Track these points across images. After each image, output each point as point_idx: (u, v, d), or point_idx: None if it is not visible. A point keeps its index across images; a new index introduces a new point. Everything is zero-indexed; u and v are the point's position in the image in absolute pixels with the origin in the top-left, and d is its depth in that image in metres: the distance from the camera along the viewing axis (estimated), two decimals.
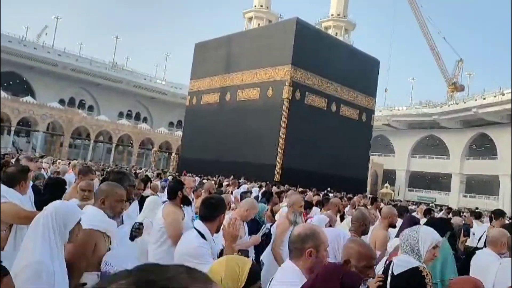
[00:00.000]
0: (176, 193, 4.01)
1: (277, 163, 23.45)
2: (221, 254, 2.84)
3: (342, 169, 24.93)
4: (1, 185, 3.14)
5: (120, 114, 66.99)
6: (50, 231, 2.11)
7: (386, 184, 47.77)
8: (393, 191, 47.86)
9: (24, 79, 58.86)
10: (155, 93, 69.26)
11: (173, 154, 49.61)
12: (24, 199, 3.27)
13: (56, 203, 2.31)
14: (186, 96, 32.49)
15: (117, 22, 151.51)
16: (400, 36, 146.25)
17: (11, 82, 57.97)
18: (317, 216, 5.32)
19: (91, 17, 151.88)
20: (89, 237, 2.41)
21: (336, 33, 71.84)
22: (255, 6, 76.31)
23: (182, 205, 4.07)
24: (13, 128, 47.64)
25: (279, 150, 23.56)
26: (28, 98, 50.69)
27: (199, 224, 2.97)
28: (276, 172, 23.25)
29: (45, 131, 51.00)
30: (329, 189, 18.83)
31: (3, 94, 48.06)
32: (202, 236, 2.87)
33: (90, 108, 65.39)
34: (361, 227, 3.91)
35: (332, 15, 72.30)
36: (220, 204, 3.10)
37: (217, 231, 3.03)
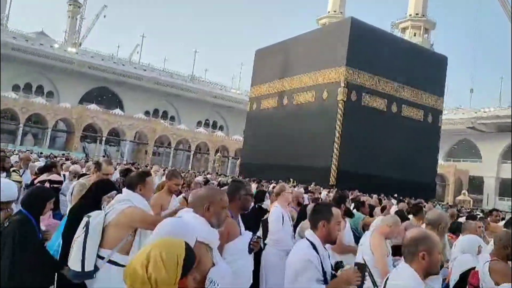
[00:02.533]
0: (339, 205, 4.21)
1: (332, 166, 22.95)
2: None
3: (405, 173, 23.51)
4: (126, 189, 3.19)
5: (199, 123, 70.59)
6: None
7: (464, 191, 43.74)
8: (471, 200, 43.50)
9: (115, 93, 65.00)
10: (230, 102, 71.85)
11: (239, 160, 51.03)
12: (146, 204, 3.25)
13: (168, 227, 2.08)
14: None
15: (196, 36, 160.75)
16: (485, 33, 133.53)
17: (104, 97, 64.58)
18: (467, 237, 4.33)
19: (173, 34, 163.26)
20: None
21: (415, 34, 68.50)
22: (329, 12, 75.92)
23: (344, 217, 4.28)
24: (104, 138, 52.77)
25: (334, 153, 23.04)
26: (117, 111, 55.95)
27: (308, 232, 2.70)
28: (331, 175, 22.77)
29: (132, 140, 55.81)
30: (395, 195, 17.92)
31: (97, 107, 53.81)
32: (314, 247, 2.59)
33: (172, 119, 69.85)
34: (505, 250, 3.26)
35: (410, 15, 69.33)
36: (323, 211, 2.76)
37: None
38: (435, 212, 4.44)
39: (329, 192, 13.74)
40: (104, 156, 45.26)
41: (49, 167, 7.07)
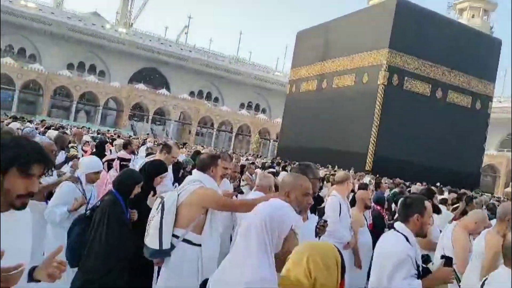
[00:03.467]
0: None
1: (369, 151, 22.42)
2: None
3: (448, 162, 22.49)
4: (197, 171, 3.26)
5: (242, 105, 71.09)
6: (265, 240, 1.78)
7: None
8: None
9: (162, 73, 66.78)
10: (273, 84, 71.52)
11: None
12: (216, 185, 3.33)
13: (269, 209, 1.96)
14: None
15: (242, 18, 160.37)
16: None
17: (152, 77, 66.59)
18: None
19: (219, 16, 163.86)
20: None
21: (473, 15, 64.31)
22: None
23: None
24: (150, 117, 54.70)
25: (372, 138, 22.45)
26: (163, 91, 57.59)
27: (399, 225, 2.66)
28: (367, 161, 22.29)
29: (176, 120, 57.40)
30: (438, 184, 17.32)
31: (144, 87, 55.71)
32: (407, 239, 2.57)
33: (216, 100, 70.82)
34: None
35: None
36: (415, 204, 2.71)
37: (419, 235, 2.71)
38: (505, 205, 3.99)
39: (372, 179, 13.27)
40: (149, 134, 46.96)
41: (124, 145, 7.50)
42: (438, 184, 16.94)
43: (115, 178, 3.50)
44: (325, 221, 3.16)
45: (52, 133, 8.85)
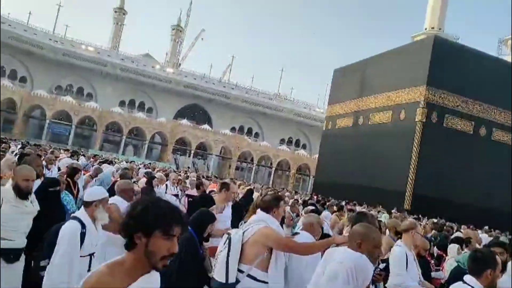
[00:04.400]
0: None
1: (407, 190, 22.02)
2: None
3: (494, 203, 21.53)
4: (261, 211, 3.36)
5: (282, 141, 71.77)
6: (351, 286, 2.00)
7: None
8: None
9: (205, 109, 69.38)
10: (314, 120, 71.91)
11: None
12: (278, 225, 3.45)
13: (354, 258, 2.29)
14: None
15: (283, 57, 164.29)
16: None
17: (196, 113, 69.32)
18: None
19: (261, 54, 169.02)
20: None
21: None
22: (426, 28, 72.85)
23: None
24: (192, 151, 56.55)
25: (410, 176, 22.08)
26: (205, 126, 59.68)
27: (471, 280, 2.71)
28: (406, 199, 21.87)
29: (217, 154, 58.90)
30: (486, 227, 16.75)
31: (188, 122, 58.08)
32: None
33: (256, 135, 72.05)
34: None
35: None
36: (488, 259, 2.75)
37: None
38: None
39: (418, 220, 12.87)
40: (190, 168, 48.32)
41: (197, 186, 7.80)
42: (486, 227, 16.32)
43: (192, 216, 3.65)
44: (381, 270, 3.23)
45: (110, 168, 9.73)
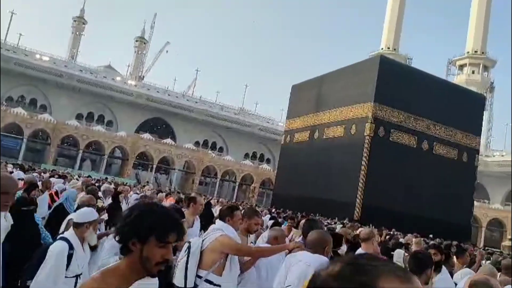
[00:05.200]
0: None
1: (357, 201, 22.67)
2: None
3: (437, 212, 22.54)
4: (218, 220, 3.69)
5: (246, 155, 71.87)
6: None
7: (510, 237, 40.55)
8: None
9: (168, 123, 68.60)
10: (278, 135, 72.53)
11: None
12: (234, 232, 3.68)
13: (320, 260, 2.71)
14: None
15: (247, 72, 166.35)
16: None
17: (158, 127, 68.42)
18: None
19: (225, 69, 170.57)
20: None
21: (473, 71, 66.17)
22: (382, 48, 75.71)
23: None
24: (155, 166, 55.53)
25: (360, 187, 22.79)
26: (168, 140, 58.88)
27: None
28: (356, 210, 22.46)
29: (180, 169, 58.13)
30: (431, 236, 17.33)
31: (150, 136, 57.17)
32: None
33: (220, 150, 71.84)
34: None
35: (468, 52, 67.25)
36: (427, 259, 3.08)
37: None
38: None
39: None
40: (148, 182, 47.40)
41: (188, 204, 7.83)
42: (430, 235, 16.92)
43: None
44: None
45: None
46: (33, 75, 56.86)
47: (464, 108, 24.77)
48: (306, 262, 2.86)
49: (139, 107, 64.62)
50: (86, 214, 3.43)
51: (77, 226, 3.30)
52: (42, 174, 16.67)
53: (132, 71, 73.03)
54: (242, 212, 4.00)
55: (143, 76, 73.51)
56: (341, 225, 13.84)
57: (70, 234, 3.29)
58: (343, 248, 5.16)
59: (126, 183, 26.65)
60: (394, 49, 74.47)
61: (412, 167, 23.13)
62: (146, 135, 57.22)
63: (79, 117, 60.15)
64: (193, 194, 6.28)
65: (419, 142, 24.49)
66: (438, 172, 23.63)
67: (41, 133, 50.13)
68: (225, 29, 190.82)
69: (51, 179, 10.78)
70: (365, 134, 23.30)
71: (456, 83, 36.86)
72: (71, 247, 3.17)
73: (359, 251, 4.30)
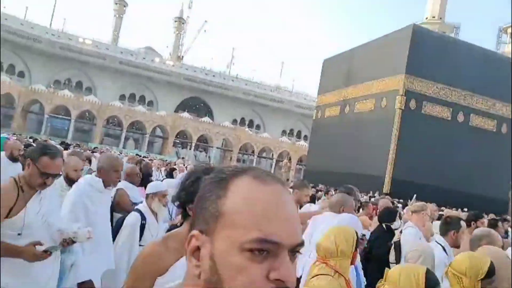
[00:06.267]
0: None
1: (387, 174, 22.50)
2: None
3: (471, 186, 21.84)
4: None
5: (283, 132, 72.09)
6: None
7: None
8: None
9: (206, 102, 69.95)
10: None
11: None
12: None
13: (347, 217, 3.05)
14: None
15: (284, 48, 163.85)
16: None
17: (197, 106, 69.97)
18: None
19: (264, 45, 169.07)
20: None
21: None
22: (427, 18, 72.38)
23: None
24: (193, 144, 57.21)
25: (389, 161, 22.55)
26: (206, 119, 60.24)
27: (439, 238, 3.42)
28: (385, 184, 22.34)
29: (218, 146, 59.51)
30: (465, 210, 17.13)
31: (188, 115, 58.72)
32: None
33: (257, 127, 72.47)
34: None
35: None
36: (454, 223, 3.45)
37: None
38: None
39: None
40: (194, 161, 48.76)
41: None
42: (465, 209, 16.65)
43: None
44: (363, 235, 3.73)
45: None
46: (78, 58, 59.76)
47: (504, 77, 23.45)
48: (336, 222, 3.09)
49: (178, 86, 66.27)
50: (151, 186, 3.61)
51: (146, 197, 3.48)
52: (88, 151, 17.72)
53: (172, 52, 74.38)
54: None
55: (183, 56, 74.68)
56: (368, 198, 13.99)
57: (142, 205, 3.44)
58: (396, 224, 4.96)
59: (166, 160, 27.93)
60: (440, 18, 70.90)
61: (445, 140, 22.43)
62: (185, 114, 58.86)
63: (122, 98, 62.76)
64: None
65: (454, 114, 23.58)
66: (474, 145, 22.73)
67: (88, 114, 52.93)
68: (262, 4, 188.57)
69: (95, 154, 11.60)
70: (395, 107, 22.82)
71: (497, 51, 34.55)
72: (143, 218, 3.29)
73: (409, 224, 4.18)
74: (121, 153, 22.84)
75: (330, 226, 2.80)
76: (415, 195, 10.80)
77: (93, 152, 15.19)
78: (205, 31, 78.98)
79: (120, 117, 52.88)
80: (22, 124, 48.79)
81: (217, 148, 59.47)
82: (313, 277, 2.20)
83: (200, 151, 62.11)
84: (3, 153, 5.31)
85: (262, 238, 0.61)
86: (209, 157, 59.33)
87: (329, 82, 30.51)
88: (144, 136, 55.50)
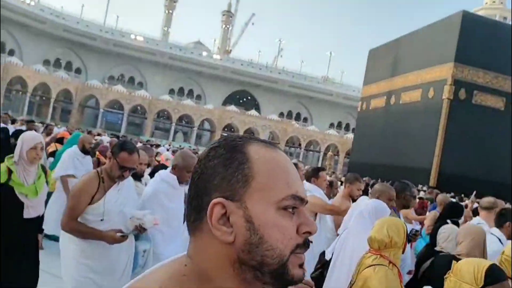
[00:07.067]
0: None
1: (433, 167, 21.51)
2: None
3: None
4: (305, 182, 3.74)
5: (331, 125, 70.88)
6: (371, 221, 2.74)
7: None
8: None
9: (253, 95, 70.39)
10: None
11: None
12: (321, 192, 3.86)
13: (374, 202, 3.10)
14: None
15: (332, 40, 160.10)
16: None
17: (244, 99, 70.64)
18: None
19: (311, 37, 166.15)
20: None
21: None
22: (486, 3, 68.09)
23: None
24: None
25: (436, 154, 21.51)
26: (253, 112, 60.65)
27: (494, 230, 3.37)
28: (431, 177, 21.37)
29: (265, 139, 59.58)
30: None
31: (235, 109, 59.50)
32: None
33: (305, 120, 71.79)
34: None
35: None
36: (508, 214, 3.44)
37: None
38: None
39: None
40: None
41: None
42: None
43: None
44: (417, 231, 3.69)
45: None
46: (130, 54, 62.46)
47: None
48: (364, 205, 3.19)
49: (225, 80, 67.23)
50: None
51: None
52: (139, 143, 18.76)
53: (220, 46, 75.38)
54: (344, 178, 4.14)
55: (230, 50, 75.45)
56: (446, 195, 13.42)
57: None
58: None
59: None
60: (501, 2, 66.21)
61: (497, 131, 20.97)
62: (232, 107, 59.62)
63: (171, 92, 64.80)
64: (294, 161, 6.63)
65: (508, 104, 21.97)
66: None
67: (139, 108, 55.25)
68: None
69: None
70: (443, 97, 21.66)
71: None
72: None
73: (477, 219, 4.04)
74: (170, 146, 23.78)
75: (358, 210, 3.13)
76: (474, 192, 10.38)
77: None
78: (253, 23, 79.24)
79: (169, 111, 54.66)
80: (79, 119, 52.00)
81: None
82: (367, 267, 2.32)
83: None
84: (75, 146, 5.72)
85: (294, 194, 0.66)
86: None
87: (375, 72, 29.62)
88: (193, 129, 56.96)
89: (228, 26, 77.64)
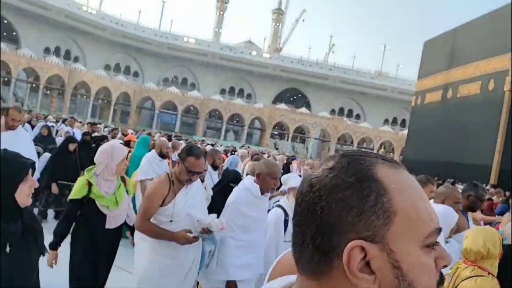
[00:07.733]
0: None
1: (493, 164, 20.13)
2: None
3: None
4: None
5: (386, 121, 68.52)
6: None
7: None
8: None
9: (303, 93, 69.82)
10: None
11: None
12: None
13: (439, 208, 2.89)
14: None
15: (388, 32, 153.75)
16: None
17: (295, 97, 70.31)
18: None
19: (363, 31, 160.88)
20: None
21: None
22: None
23: None
24: (290, 135, 57.69)
25: (496, 149, 20.12)
26: (303, 109, 60.15)
27: None
28: (492, 174, 20.01)
29: (316, 137, 59.10)
30: None
31: (285, 107, 59.38)
32: None
33: (357, 116, 69.93)
34: None
35: None
36: None
37: None
38: None
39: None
40: (292, 153, 49.33)
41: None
42: None
43: None
44: None
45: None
46: (183, 56, 64.65)
47: None
48: None
49: (275, 78, 67.29)
50: (285, 181, 3.75)
51: (288, 192, 3.56)
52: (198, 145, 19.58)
53: (271, 44, 75.46)
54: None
55: (281, 48, 75.27)
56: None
57: (283, 201, 3.48)
58: None
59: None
60: None
61: None
62: (282, 105, 59.56)
63: (222, 92, 66.07)
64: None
65: None
66: None
67: (192, 108, 56.96)
68: None
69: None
70: (505, 89, 20.18)
71: None
72: (286, 213, 3.34)
73: None
74: (221, 145, 24.38)
75: None
76: None
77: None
78: (303, 20, 78.39)
79: (220, 110, 55.78)
80: (136, 120, 54.68)
81: (314, 138, 59.02)
82: (465, 279, 2.30)
83: (298, 142, 62.23)
84: (153, 151, 6.09)
85: (437, 228, 0.57)
86: (306, 148, 59.24)
87: (430, 65, 28.24)
88: (243, 128, 57.62)
89: (278, 24, 77.45)
